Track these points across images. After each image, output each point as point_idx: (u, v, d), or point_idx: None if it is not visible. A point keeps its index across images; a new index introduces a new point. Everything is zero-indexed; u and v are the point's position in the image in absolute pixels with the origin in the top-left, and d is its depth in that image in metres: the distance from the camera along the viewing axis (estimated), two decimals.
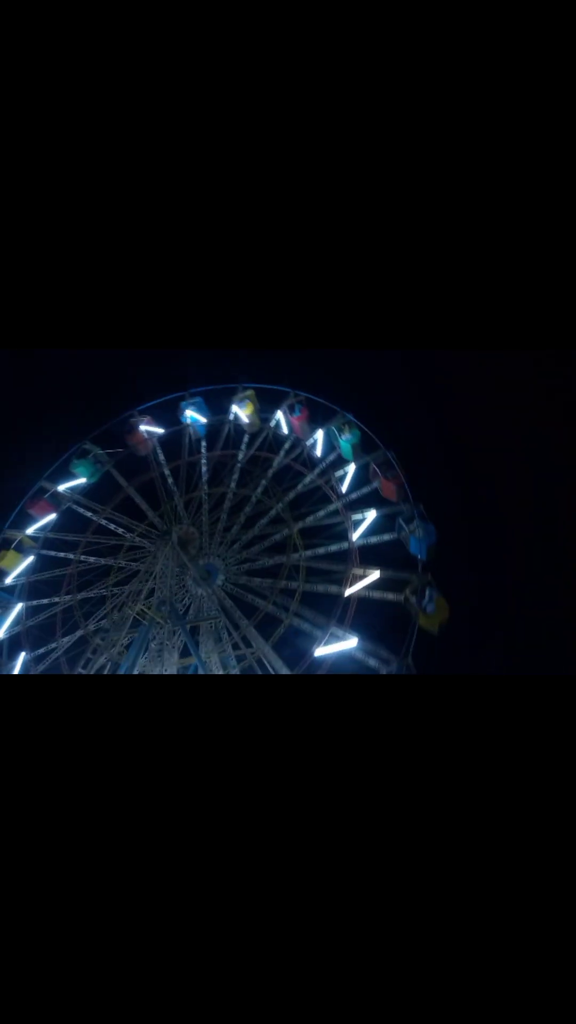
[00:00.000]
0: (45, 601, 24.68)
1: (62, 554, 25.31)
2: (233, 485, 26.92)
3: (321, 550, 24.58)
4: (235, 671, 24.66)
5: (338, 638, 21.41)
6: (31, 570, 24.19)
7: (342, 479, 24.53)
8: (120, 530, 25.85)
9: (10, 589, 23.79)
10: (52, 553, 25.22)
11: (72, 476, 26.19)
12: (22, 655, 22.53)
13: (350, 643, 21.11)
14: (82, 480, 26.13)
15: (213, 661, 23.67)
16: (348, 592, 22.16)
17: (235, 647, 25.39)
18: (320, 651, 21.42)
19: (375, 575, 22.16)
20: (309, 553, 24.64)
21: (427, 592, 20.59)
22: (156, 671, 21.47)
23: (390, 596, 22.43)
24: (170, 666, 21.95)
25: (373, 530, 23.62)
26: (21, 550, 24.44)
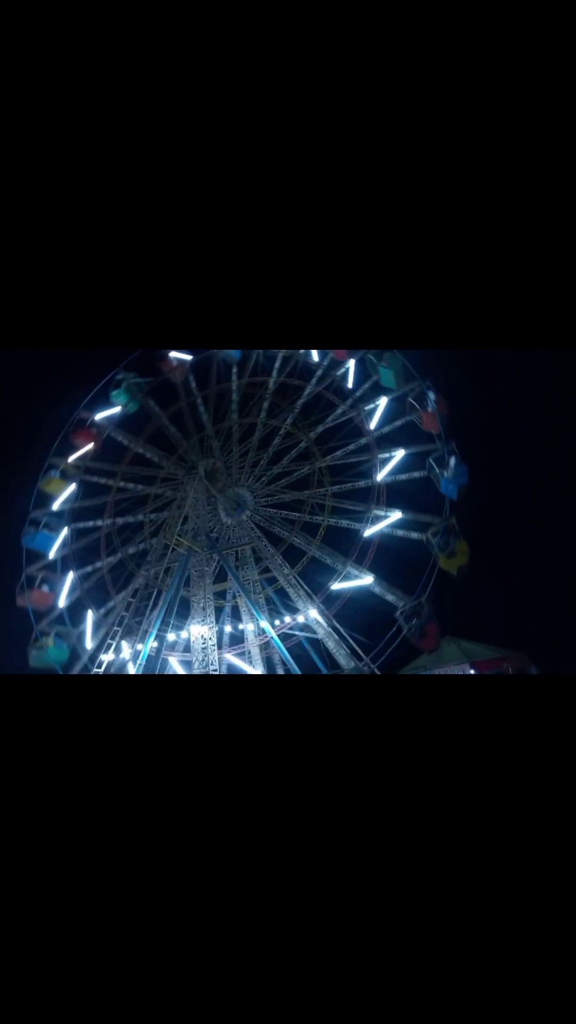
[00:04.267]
0: (90, 524, 26.74)
1: (103, 480, 26.77)
2: (263, 415, 26.59)
3: (348, 486, 24.50)
4: (266, 594, 26.33)
5: (355, 576, 22.06)
6: (74, 496, 25.89)
7: (372, 413, 23.53)
8: (154, 458, 26.74)
9: (59, 514, 25.70)
10: (93, 479, 26.71)
11: (110, 405, 26.71)
12: (71, 574, 25.01)
13: (366, 580, 21.75)
14: (118, 408, 26.62)
15: (249, 583, 25.34)
16: (368, 532, 22.34)
17: (265, 571, 26.91)
18: (336, 586, 22.29)
19: (396, 516, 22.04)
20: (335, 489, 24.66)
21: (449, 536, 20.35)
22: (198, 596, 23.38)
23: (413, 535, 22.43)
24: (208, 590, 23.81)
25: (401, 468, 23.01)
26: (66, 477, 26.01)
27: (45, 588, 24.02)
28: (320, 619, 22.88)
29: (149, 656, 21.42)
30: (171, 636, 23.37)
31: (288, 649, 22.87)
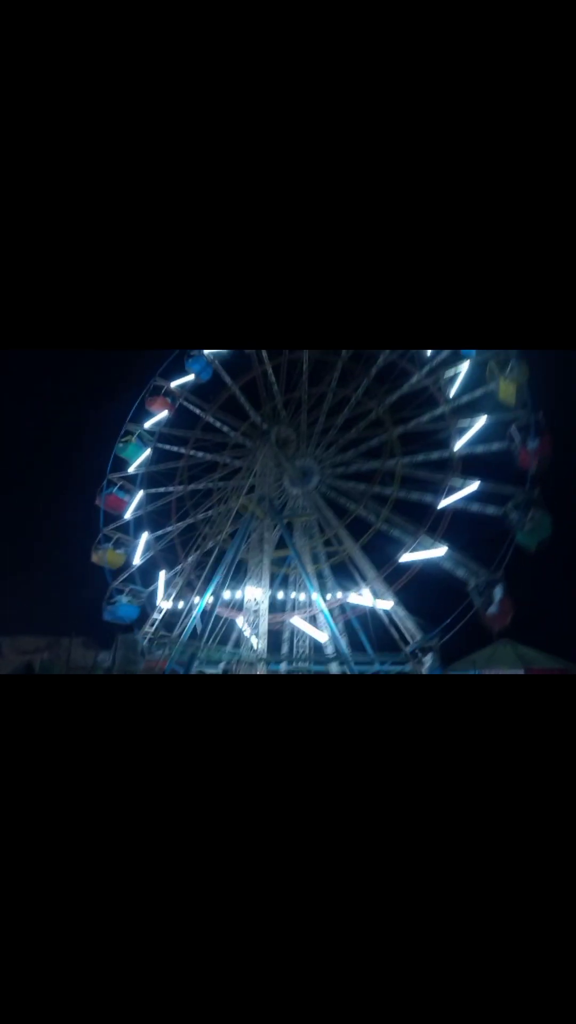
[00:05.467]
0: (161, 490, 27.82)
1: (175, 448, 27.69)
2: (333, 384, 26.14)
3: (420, 457, 23.58)
4: (326, 566, 26.33)
5: (426, 546, 21.26)
6: (148, 462, 26.97)
7: (452, 381, 22.34)
8: (224, 428, 27.21)
9: (151, 432, 26.67)
10: (166, 447, 27.69)
11: (184, 373, 27.43)
12: (144, 534, 26.18)
13: (438, 551, 20.91)
14: (191, 376, 27.26)
15: (306, 554, 25.43)
16: (443, 504, 21.39)
17: (327, 543, 26.81)
18: (406, 557, 21.63)
19: (474, 486, 20.91)
20: (407, 460, 23.82)
21: (531, 510, 19.03)
22: (255, 560, 23.91)
23: (490, 509, 21.26)
24: (268, 555, 24.21)
25: (480, 438, 21.76)
26: (142, 442, 27.06)
27: (123, 495, 25.81)
28: (373, 596, 22.41)
29: (204, 610, 22.21)
30: (227, 594, 24.05)
31: (340, 625, 22.71)
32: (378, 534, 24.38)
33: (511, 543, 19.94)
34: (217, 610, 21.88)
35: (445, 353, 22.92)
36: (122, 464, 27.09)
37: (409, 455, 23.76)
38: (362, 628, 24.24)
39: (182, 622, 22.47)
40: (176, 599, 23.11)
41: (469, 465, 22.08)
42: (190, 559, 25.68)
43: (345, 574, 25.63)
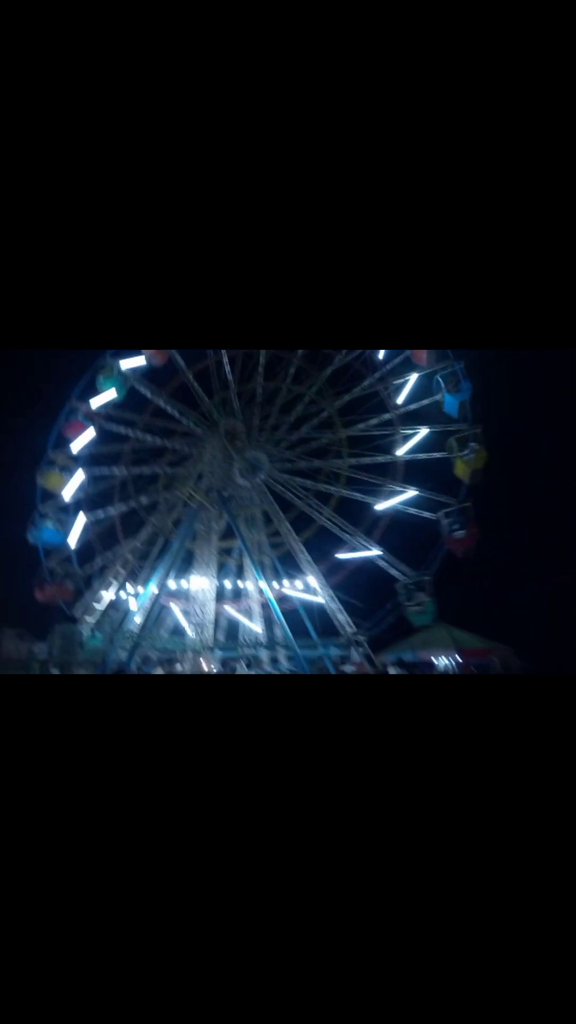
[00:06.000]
0: (105, 471, 26.91)
1: (122, 429, 26.80)
2: (288, 380, 26.39)
3: (366, 459, 24.41)
4: (274, 556, 26.70)
5: (362, 547, 22.16)
6: (93, 442, 26.00)
7: (399, 388, 23.24)
8: (175, 414, 26.71)
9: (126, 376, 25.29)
10: (113, 427, 26.71)
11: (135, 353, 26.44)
12: (81, 514, 25.25)
13: (373, 552, 21.86)
14: (142, 360, 26.31)
15: (253, 544, 25.67)
16: (381, 506, 22.34)
17: (274, 535, 27.19)
18: (342, 555, 22.43)
19: (411, 493, 21.99)
20: (352, 462, 24.59)
21: (419, 594, 20.39)
22: (203, 549, 23.83)
23: (426, 514, 22.47)
24: (214, 545, 24.23)
25: (422, 447, 22.86)
26: (122, 382, 25.41)
27: (65, 475, 24.76)
28: (318, 586, 23.14)
29: (148, 599, 21.92)
30: (172, 584, 23.89)
31: (286, 612, 23.30)
32: (321, 529, 25.06)
33: (442, 545, 21.19)
34: (163, 599, 21.62)
35: (397, 359, 23.75)
36: (90, 395, 25.42)
37: (355, 457, 24.53)
38: (307, 615, 24.87)
39: (125, 612, 22.02)
40: (118, 589, 22.56)
41: (410, 470, 23.17)
42: (129, 543, 25.16)
43: (292, 564, 26.13)
